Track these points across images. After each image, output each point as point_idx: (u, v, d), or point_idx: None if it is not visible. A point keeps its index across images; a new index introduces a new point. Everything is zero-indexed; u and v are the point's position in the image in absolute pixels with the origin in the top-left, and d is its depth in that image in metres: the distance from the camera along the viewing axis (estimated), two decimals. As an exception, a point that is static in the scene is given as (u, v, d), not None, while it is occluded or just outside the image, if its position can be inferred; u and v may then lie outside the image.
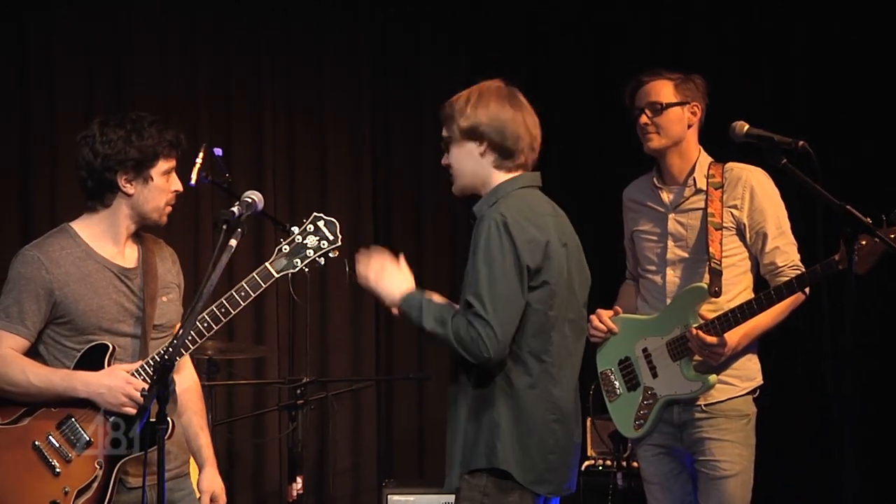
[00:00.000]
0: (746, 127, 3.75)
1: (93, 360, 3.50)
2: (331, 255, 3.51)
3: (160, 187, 3.55)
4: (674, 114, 4.05)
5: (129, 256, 3.64)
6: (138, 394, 3.43)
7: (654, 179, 4.16)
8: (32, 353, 3.55)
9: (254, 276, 3.51)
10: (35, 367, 3.50)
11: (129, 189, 3.54)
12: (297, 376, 5.65)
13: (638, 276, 4.24)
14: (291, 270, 3.51)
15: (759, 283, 4.07)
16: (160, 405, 3.12)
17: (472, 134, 3.46)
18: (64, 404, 3.49)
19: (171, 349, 3.19)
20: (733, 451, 3.96)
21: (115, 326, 3.55)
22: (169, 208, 3.61)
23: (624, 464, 4.96)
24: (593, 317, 4.12)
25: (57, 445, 3.48)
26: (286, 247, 3.51)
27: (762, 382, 4.05)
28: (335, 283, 6.25)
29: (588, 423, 5.65)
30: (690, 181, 4.07)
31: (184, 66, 6.17)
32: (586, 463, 5.57)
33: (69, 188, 5.51)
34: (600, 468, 5.52)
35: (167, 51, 6.14)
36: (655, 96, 4.07)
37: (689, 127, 4.08)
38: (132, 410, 3.44)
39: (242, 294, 3.50)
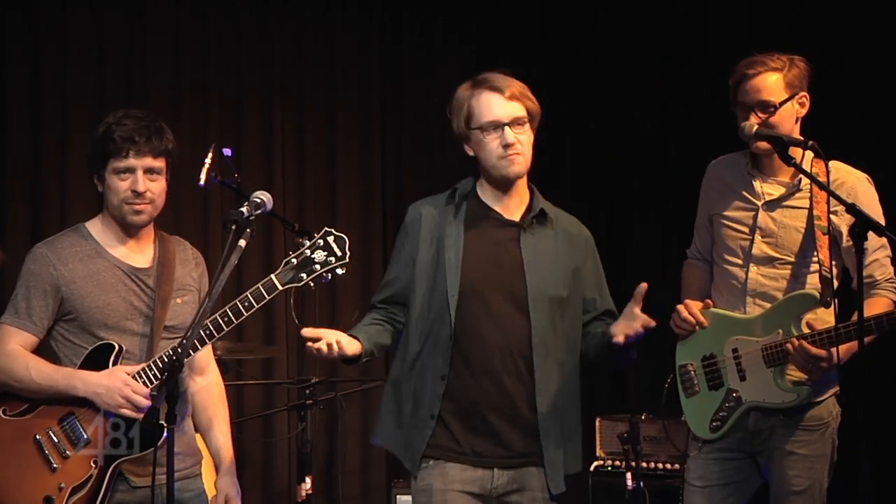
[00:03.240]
0: (756, 126, 3.75)
1: (99, 358, 3.52)
2: (338, 271, 3.48)
3: (111, 186, 3.57)
4: (785, 111, 3.78)
5: (143, 257, 3.66)
6: (137, 396, 3.45)
7: (749, 165, 3.91)
8: (47, 349, 3.59)
9: (258, 288, 3.49)
10: (39, 364, 3.53)
11: (99, 187, 3.61)
12: (306, 376, 5.65)
13: (709, 260, 4.02)
14: (296, 284, 3.48)
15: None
16: (170, 405, 3.12)
17: (535, 123, 3.59)
18: (68, 401, 3.51)
19: (179, 350, 3.19)
20: (804, 465, 3.79)
21: (123, 324, 3.56)
22: (131, 206, 3.57)
23: (633, 464, 4.94)
24: (681, 307, 3.92)
25: (56, 441, 3.51)
26: (294, 259, 3.48)
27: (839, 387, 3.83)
28: (344, 284, 6.25)
29: (597, 423, 5.65)
30: (796, 179, 3.83)
31: (194, 66, 6.18)
32: (596, 463, 5.57)
33: (80, 186, 5.54)
34: (610, 469, 5.52)
35: (179, 50, 6.15)
36: (767, 94, 3.77)
37: (797, 121, 3.83)
38: (129, 412, 3.46)
39: (246, 304, 3.49)
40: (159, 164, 3.59)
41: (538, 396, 3.51)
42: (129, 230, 3.63)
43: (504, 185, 3.57)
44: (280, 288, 3.48)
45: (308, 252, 3.47)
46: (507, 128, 3.51)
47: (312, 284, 3.50)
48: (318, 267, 3.46)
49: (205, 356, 3.80)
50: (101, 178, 3.58)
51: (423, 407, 3.52)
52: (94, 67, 5.96)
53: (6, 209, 5.78)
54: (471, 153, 3.60)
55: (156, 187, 3.59)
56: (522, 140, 3.52)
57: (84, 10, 5.96)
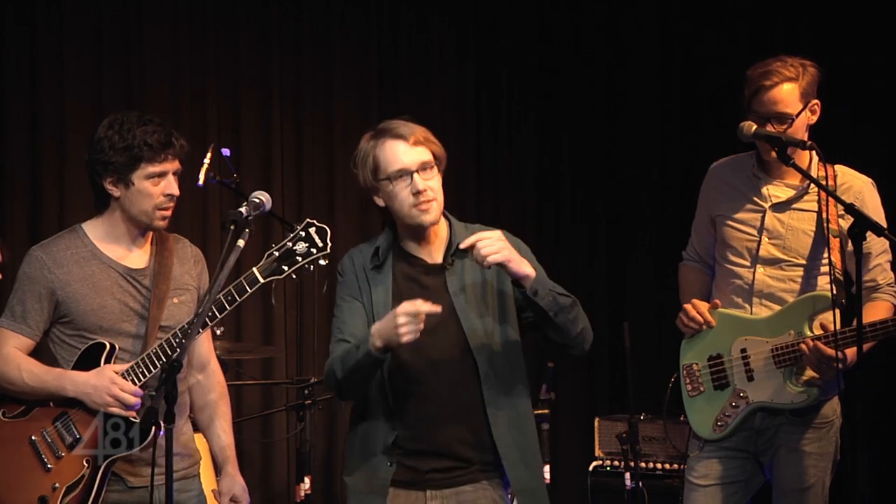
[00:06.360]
0: (754, 127, 3.75)
1: (91, 359, 3.53)
2: (321, 261, 3.45)
3: (143, 191, 3.54)
4: (800, 121, 3.77)
5: (139, 257, 3.65)
6: (124, 394, 3.46)
7: (754, 167, 3.91)
8: (47, 351, 3.60)
9: (241, 281, 3.47)
10: (31, 366, 3.55)
11: (115, 192, 3.57)
12: (305, 376, 5.65)
13: (707, 261, 4.02)
14: (278, 276, 3.45)
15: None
16: (168, 405, 3.12)
17: (442, 166, 3.48)
18: (61, 402, 3.52)
19: (178, 349, 3.19)
20: (809, 462, 3.81)
21: (118, 326, 3.56)
22: (162, 212, 3.57)
23: (632, 464, 4.94)
24: (688, 306, 3.92)
25: (50, 442, 3.52)
26: (276, 252, 3.45)
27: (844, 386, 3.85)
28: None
29: (596, 423, 5.65)
30: (805, 183, 3.82)
31: (193, 66, 6.17)
32: (594, 463, 5.58)
33: (78, 186, 5.53)
34: (608, 469, 5.52)
35: (177, 50, 6.14)
36: (783, 106, 3.75)
37: (808, 128, 3.82)
38: (118, 410, 3.47)
39: (229, 298, 3.47)
40: (181, 167, 3.62)
41: (495, 433, 3.41)
42: (139, 233, 3.62)
43: (421, 231, 3.47)
44: (262, 280, 3.45)
45: (290, 244, 3.44)
46: (415, 175, 3.40)
47: (295, 276, 3.48)
48: (299, 258, 3.43)
49: (205, 354, 3.80)
50: (126, 184, 3.54)
51: (376, 456, 3.44)
52: (93, 67, 5.95)
53: (5, 209, 5.77)
54: (381, 204, 3.49)
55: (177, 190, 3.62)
56: (433, 186, 3.42)
57: (82, 9, 5.95)
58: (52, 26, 5.87)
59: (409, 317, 3.25)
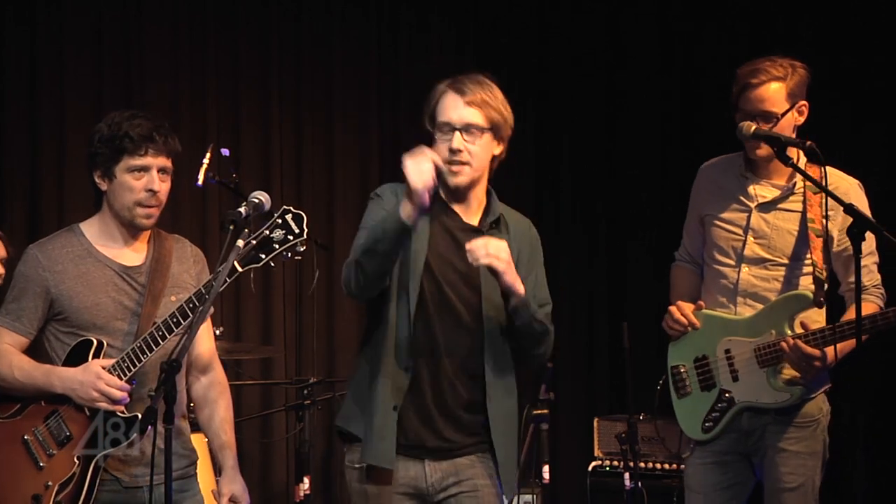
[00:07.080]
0: (754, 127, 3.76)
1: (80, 355, 3.53)
2: (299, 248, 3.44)
3: (125, 185, 3.53)
4: (786, 121, 3.78)
5: (135, 254, 3.65)
6: (111, 388, 3.45)
7: (742, 168, 3.92)
8: (41, 349, 3.61)
9: (218, 271, 3.43)
10: (21, 362, 3.56)
11: (103, 186, 3.58)
12: (304, 376, 5.65)
13: (698, 262, 4.04)
14: (256, 265, 3.43)
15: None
16: (168, 405, 3.12)
17: (499, 134, 3.50)
18: (53, 399, 3.53)
19: (178, 348, 3.19)
20: (797, 462, 3.82)
21: (112, 324, 3.56)
22: (145, 210, 3.56)
23: (631, 464, 4.95)
24: (673, 308, 3.94)
25: (41, 440, 3.53)
26: (253, 240, 3.42)
27: (831, 384, 3.90)
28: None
29: (595, 424, 5.65)
30: (791, 183, 3.85)
31: (193, 66, 6.18)
32: (593, 463, 5.58)
33: (78, 186, 5.53)
34: (608, 469, 5.52)
35: (177, 50, 6.15)
36: (770, 105, 3.77)
37: (794, 129, 3.83)
38: (105, 405, 3.46)
39: (208, 288, 3.45)
40: (170, 164, 3.59)
41: (489, 402, 3.44)
42: (129, 230, 3.62)
43: (453, 188, 3.45)
44: (240, 270, 3.42)
45: (267, 231, 3.43)
46: (457, 133, 3.39)
47: (273, 264, 3.46)
48: (276, 246, 3.42)
49: (207, 353, 3.79)
50: (110, 177, 3.55)
51: (387, 399, 3.41)
52: (93, 67, 5.96)
53: (5, 209, 5.78)
54: None
55: (165, 188, 3.59)
56: (472, 150, 3.40)
57: (82, 9, 5.95)
58: (52, 26, 5.88)
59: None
